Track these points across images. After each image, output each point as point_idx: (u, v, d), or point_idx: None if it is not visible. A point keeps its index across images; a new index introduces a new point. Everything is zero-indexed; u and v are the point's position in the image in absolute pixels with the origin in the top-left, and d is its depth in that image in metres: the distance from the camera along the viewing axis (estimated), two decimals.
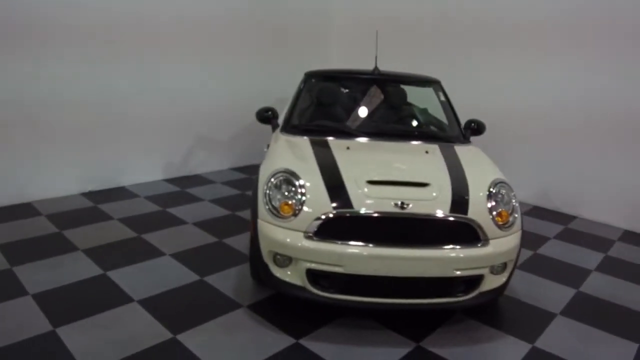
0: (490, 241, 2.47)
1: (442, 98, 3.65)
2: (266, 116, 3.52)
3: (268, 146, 3.29)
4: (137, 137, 4.80)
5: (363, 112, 3.61)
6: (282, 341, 2.44)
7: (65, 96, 4.19)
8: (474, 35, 5.13)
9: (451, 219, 2.43)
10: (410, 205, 2.39)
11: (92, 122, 4.43)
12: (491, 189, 2.60)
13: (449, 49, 5.31)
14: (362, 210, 2.39)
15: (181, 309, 2.68)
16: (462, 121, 3.54)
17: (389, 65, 3.95)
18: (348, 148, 2.93)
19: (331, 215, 2.39)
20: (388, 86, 3.78)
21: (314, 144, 2.97)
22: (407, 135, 3.32)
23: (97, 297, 2.73)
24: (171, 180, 5.10)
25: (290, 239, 2.40)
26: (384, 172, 2.64)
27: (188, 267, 3.17)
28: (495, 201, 2.57)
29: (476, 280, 2.49)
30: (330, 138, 3.08)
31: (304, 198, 2.46)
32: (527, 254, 3.74)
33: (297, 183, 2.52)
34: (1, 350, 2.24)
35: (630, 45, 4.17)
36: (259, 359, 2.29)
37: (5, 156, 3.98)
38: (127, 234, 3.66)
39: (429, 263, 2.38)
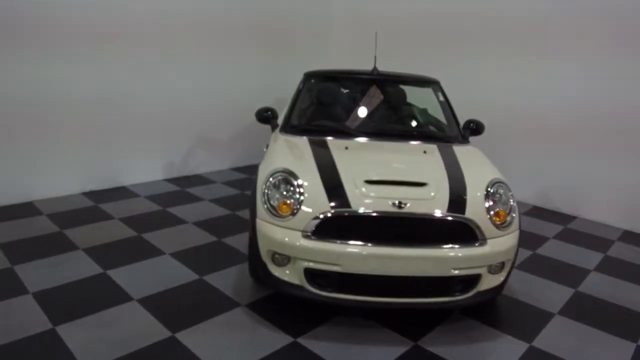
0: (488, 241, 2.48)
1: (441, 98, 3.66)
2: (265, 116, 3.54)
3: (267, 146, 3.31)
4: (137, 137, 4.82)
5: (362, 112, 3.62)
6: (280, 340, 2.45)
7: (66, 96, 4.21)
8: (474, 35, 5.14)
9: (449, 218, 2.44)
10: (408, 205, 2.40)
11: (93, 122, 4.45)
12: (489, 189, 2.61)
13: (449, 49, 5.32)
14: (360, 210, 2.40)
15: (180, 307, 2.70)
16: (462, 121, 3.55)
17: (389, 65, 3.96)
18: (346, 148, 2.94)
19: (329, 215, 2.40)
20: (387, 86, 3.79)
21: (312, 143, 2.99)
22: (405, 135, 3.33)
23: (97, 296, 2.75)
24: (172, 180, 5.12)
25: (289, 238, 2.41)
26: (382, 172, 2.65)
27: (187, 266, 3.19)
28: (493, 201, 2.58)
29: (474, 279, 2.50)
30: (329, 138, 3.10)
31: (302, 197, 2.47)
32: (526, 253, 3.74)
33: (295, 183, 2.53)
34: (2, 347, 2.26)
35: (631, 45, 4.17)
36: (257, 358, 2.30)
37: (7, 156, 4.00)
38: (127, 233, 3.68)
39: (426, 262, 2.39)
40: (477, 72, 5.11)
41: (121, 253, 3.31)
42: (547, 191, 4.91)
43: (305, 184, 2.52)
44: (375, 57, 3.81)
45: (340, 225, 2.42)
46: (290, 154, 2.89)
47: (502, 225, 2.54)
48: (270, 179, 2.59)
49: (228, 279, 3.04)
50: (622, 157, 4.37)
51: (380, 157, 2.96)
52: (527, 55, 4.77)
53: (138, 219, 3.97)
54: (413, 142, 3.20)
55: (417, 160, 2.94)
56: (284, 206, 2.47)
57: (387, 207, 2.40)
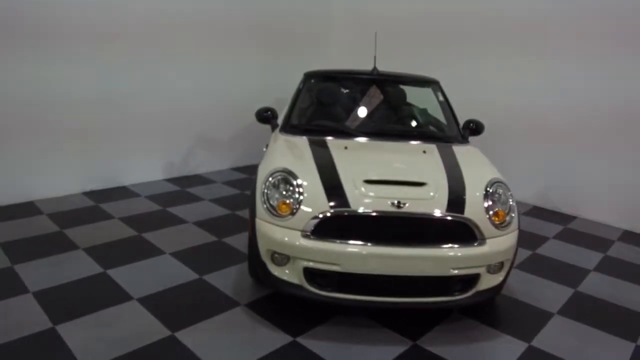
0: (487, 240, 2.48)
1: (441, 98, 3.67)
2: (265, 116, 3.55)
3: (267, 146, 3.31)
4: (138, 137, 4.83)
5: (362, 112, 3.63)
6: (279, 339, 2.45)
7: (66, 96, 4.22)
8: (474, 35, 5.14)
9: (448, 218, 2.44)
10: (407, 205, 2.41)
11: (93, 122, 4.46)
12: (488, 189, 2.61)
13: (449, 49, 5.32)
14: (359, 210, 2.40)
15: (180, 307, 2.70)
16: (461, 121, 3.55)
17: (389, 65, 3.97)
18: (346, 148, 2.95)
19: (328, 214, 2.40)
20: (387, 86, 3.80)
21: (312, 143, 2.99)
22: (405, 135, 3.33)
23: (97, 295, 2.76)
24: (172, 180, 5.13)
25: (288, 238, 2.42)
26: (381, 172, 2.65)
27: (187, 265, 3.20)
28: (492, 201, 2.58)
29: (473, 279, 2.50)
30: (328, 138, 3.10)
31: (301, 197, 2.47)
32: (526, 253, 3.74)
33: (294, 182, 2.53)
34: (1, 346, 2.26)
35: (631, 45, 4.17)
36: (256, 357, 2.31)
37: (8, 155, 4.01)
38: (127, 232, 3.69)
39: (425, 262, 2.39)
40: (477, 72, 5.11)
41: (121, 252, 3.32)
42: (547, 191, 4.91)
43: (305, 183, 2.53)
44: (375, 57, 3.82)
45: (340, 224, 2.42)
46: (290, 153, 2.89)
47: (501, 225, 2.54)
48: (270, 179, 2.59)
49: (228, 279, 3.05)
50: (622, 157, 4.37)
51: (379, 157, 2.96)
52: (527, 55, 4.77)
53: (138, 218, 3.98)
54: (412, 142, 3.21)
55: (417, 160, 2.95)
56: (284, 206, 2.48)
57: (386, 206, 2.40)
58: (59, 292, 2.78)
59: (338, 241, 2.38)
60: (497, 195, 2.62)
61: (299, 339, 2.46)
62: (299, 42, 6.05)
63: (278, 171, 2.61)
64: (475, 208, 2.50)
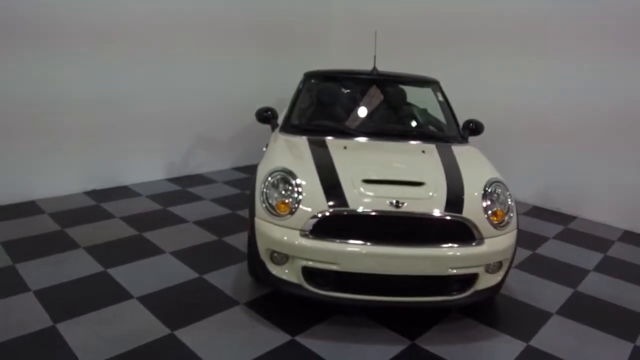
0: (486, 240, 2.48)
1: (441, 98, 3.67)
2: (265, 116, 3.56)
3: (267, 146, 3.33)
4: (139, 136, 4.85)
5: (361, 112, 3.64)
6: (278, 338, 2.46)
7: (68, 96, 4.24)
8: (474, 35, 5.14)
9: (446, 217, 2.44)
10: (405, 204, 2.41)
11: (94, 121, 4.48)
12: (487, 188, 2.62)
13: (449, 49, 5.32)
14: (358, 209, 2.41)
15: (180, 306, 2.72)
16: (462, 121, 3.55)
17: (389, 65, 3.97)
18: (345, 148, 2.96)
19: (327, 214, 2.41)
20: (387, 86, 3.81)
21: (312, 143, 3.00)
22: (404, 135, 3.34)
23: (97, 294, 2.78)
24: (173, 180, 5.15)
25: (287, 237, 2.43)
26: (379, 171, 2.66)
27: (187, 265, 3.21)
28: (491, 200, 2.58)
29: (471, 278, 2.51)
30: (328, 138, 3.11)
31: (300, 197, 2.49)
32: (525, 253, 3.75)
33: (293, 182, 2.55)
34: (3, 344, 2.28)
35: (631, 45, 4.17)
36: (255, 356, 2.32)
37: (9, 155, 4.03)
38: (128, 232, 3.70)
39: (423, 261, 2.40)
40: (477, 72, 5.11)
41: (122, 252, 3.34)
42: (548, 191, 4.91)
43: (304, 183, 2.54)
44: (375, 57, 3.83)
45: (338, 224, 2.43)
46: (290, 153, 2.90)
47: (499, 225, 2.54)
48: (269, 179, 2.60)
49: (227, 278, 3.06)
50: (622, 157, 4.37)
51: (378, 156, 2.97)
52: (527, 55, 4.77)
53: (139, 218, 4.00)
54: (412, 142, 3.21)
55: (416, 160, 2.95)
56: (283, 205, 2.49)
57: (385, 206, 2.41)
58: (59, 290, 2.80)
59: (336, 240, 2.39)
60: (495, 195, 2.62)
61: (298, 338, 2.47)
62: (299, 42, 6.06)
63: (277, 171, 2.62)
64: (474, 208, 2.51)
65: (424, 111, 3.82)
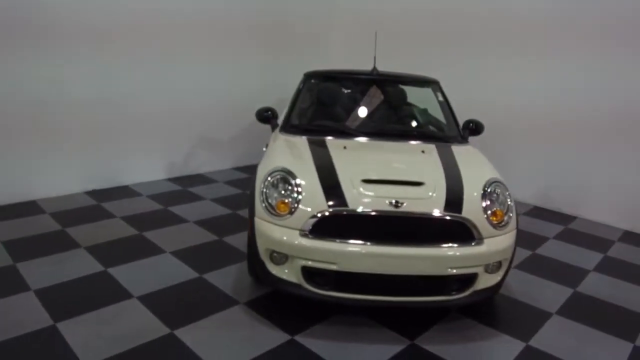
0: (485, 240, 2.48)
1: (441, 98, 3.67)
2: (266, 116, 3.57)
3: (267, 145, 3.33)
4: (140, 136, 4.86)
5: (361, 112, 3.64)
6: (277, 338, 2.47)
7: (69, 96, 4.25)
8: (474, 35, 5.14)
9: (445, 217, 2.45)
10: (405, 204, 2.42)
11: (95, 121, 4.49)
12: (486, 188, 2.62)
13: (449, 49, 5.32)
14: (357, 209, 2.42)
15: (179, 305, 2.72)
16: (462, 121, 3.55)
17: (389, 65, 3.98)
18: (345, 147, 2.96)
19: (326, 214, 2.42)
20: (387, 86, 3.81)
21: (311, 143, 3.01)
22: (404, 135, 3.34)
23: (97, 293, 2.78)
24: (174, 180, 5.16)
25: (287, 237, 2.43)
26: (379, 171, 2.67)
27: (188, 264, 3.22)
28: (490, 200, 2.59)
29: (470, 278, 2.51)
30: (328, 138, 3.11)
31: (299, 197, 2.49)
32: (525, 253, 3.75)
33: (293, 182, 2.55)
34: (3, 343, 2.29)
35: (631, 45, 4.16)
36: (255, 355, 2.33)
37: (11, 155, 4.04)
38: (128, 231, 3.71)
39: (422, 261, 2.40)
40: (477, 72, 5.11)
41: (122, 251, 3.35)
42: (548, 191, 4.91)
43: (303, 183, 2.54)
44: (375, 57, 3.83)
45: (338, 224, 2.44)
46: (289, 153, 2.91)
47: (499, 225, 2.55)
48: (269, 178, 2.61)
49: (227, 277, 3.07)
50: (622, 157, 4.36)
51: (378, 156, 2.97)
52: (527, 55, 4.77)
53: (140, 217, 4.01)
54: (412, 142, 3.22)
55: (415, 160, 2.96)
56: (282, 205, 2.50)
57: (384, 206, 2.41)
58: (60, 290, 2.81)
59: (336, 240, 2.40)
60: (495, 195, 2.62)
61: (297, 338, 2.48)
62: (299, 42, 6.06)
63: (277, 171, 2.63)
64: (473, 208, 2.51)
65: (424, 111, 3.83)
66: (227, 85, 5.43)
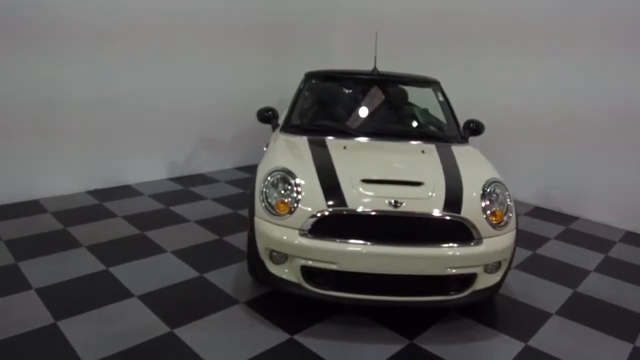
0: (484, 240, 2.49)
1: (441, 98, 3.68)
2: (266, 116, 3.57)
3: (267, 145, 3.34)
4: (142, 136, 4.88)
5: (362, 112, 3.64)
6: (277, 337, 2.48)
7: (69, 96, 4.27)
8: (474, 35, 5.14)
9: (444, 217, 2.45)
10: (404, 204, 2.42)
11: (98, 121, 4.51)
12: (485, 189, 2.62)
13: (449, 49, 5.32)
14: (356, 209, 2.42)
15: (180, 304, 2.74)
16: (462, 121, 3.55)
17: (389, 65, 3.98)
18: (345, 147, 2.97)
19: (326, 213, 2.43)
20: (387, 86, 3.81)
21: (312, 143, 3.02)
22: (404, 135, 3.34)
23: (98, 292, 2.80)
24: (175, 179, 5.17)
25: (286, 237, 2.44)
26: (378, 171, 2.67)
27: (188, 264, 3.23)
28: (490, 200, 2.59)
29: (469, 278, 2.51)
30: (328, 138, 3.12)
31: (299, 196, 2.50)
32: (526, 254, 3.74)
33: (293, 182, 2.56)
34: (4, 342, 2.31)
35: (631, 45, 4.16)
36: (254, 354, 2.34)
37: (14, 155, 4.07)
38: (130, 231, 3.73)
39: (421, 261, 2.40)
40: (477, 72, 5.11)
41: (123, 251, 3.36)
42: (549, 192, 4.90)
43: (303, 183, 2.55)
44: (375, 57, 3.83)
45: (337, 223, 2.44)
46: (290, 153, 2.92)
47: (498, 225, 2.55)
48: (269, 178, 2.62)
49: (228, 277, 3.08)
50: (623, 157, 4.36)
51: (377, 156, 2.98)
52: (527, 55, 4.77)
53: (141, 217, 4.02)
54: (412, 142, 3.22)
55: (415, 160, 2.96)
56: (282, 205, 2.51)
57: (383, 206, 2.42)
58: (61, 288, 2.83)
59: (335, 240, 2.40)
60: (494, 195, 2.63)
61: (297, 337, 2.49)
62: (299, 42, 6.07)
63: (277, 170, 2.64)
64: (473, 208, 2.51)
65: (425, 111, 3.83)
66: (227, 85, 5.44)
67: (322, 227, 2.43)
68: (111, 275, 3.02)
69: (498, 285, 2.66)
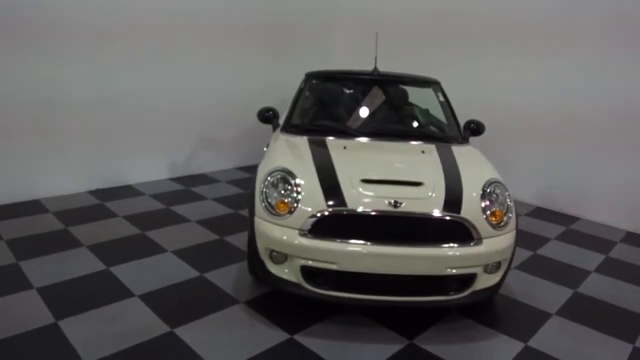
0: (484, 240, 2.49)
1: (442, 98, 3.68)
2: (267, 116, 3.58)
3: (268, 145, 3.35)
4: (143, 136, 4.89)
5: (362, 112, 3.65)
6: (276, 336, 2.48)
7: (69, 96, 4.27)
8: (474, 35, 5.13)
9: (444, 217, 2.45)
10: (404, 204, 2.43)
11: (98, 121, 4.52)
12: (485, 189, 2.62)
13: (449, 49, 5.32)
14: (356, 209, 2.43)
15: (180, 304, 2.74)
16: (462, 121, 3.55)
17: (389, 65, 3.98)
18: (345, 148, 2.97)
19: (326, 213, 2.43)
20: (387, 87, 3.81)
21: (312, 143, 3.02)
22: (404, 135, 3.34)
23: (99, 292, 2.81)
24: (176, 179, 5.18)
25: (286, 237, 2.45)
26: (378, 171, 2.67)
27: (189, 263, 3.24)
28: (490, 201, 2.59)
29: (469, 278, 2.51)
30: (329, 138, 3.12)
31: (299, 196, 2.50)
32: (526, 254, 3.74)
33: (293, 182, 2.57)
34: (5, 341, 2.32)
35: (631, 45, 4.15)
36: (254, 354, 2.34)
37: (16, 155, 4.08)
38: (130, 231, 3.74)
39: (421, 261, 2.41)
40: (477, 72, 5.11)
41: (124, 250, 3.37)
42: (550, 192, 4.90)
43: (303, 183, 2.56)
44: (376, 57, 3.84)
45: (337, 223, 2.45)
46: (290, 153, 2.92)
47: (498, 225, 2.55)
48: (269, 178, 2.63)
49: (228, 277, 3.08)
50: (622, 157, 4.35)
51: (377, 156, 2.98)
52: (527, 55, 4.76)
53: (142, 217, 4.03)
54: (412, 142, 3.22)
55: (415, 160, 2.96)
56: (282, 205, 2.51)
57: (383, 206, 2.42)
58: (62, 288, 2.84)
59: (335, 240, 2.41)
60: (494, 196, 2.63)
61: (297, 337, 2.49)
62: (300, 42, 6.07)
63: (277, 170, 2.64)
64: (472, 208, 2.51)
65: (425, 111, 3.83)
66: (227, 85, 5.44)
67: (322, 227, 2.43)
68: (112, 274, 3.03)
69: (498, 285, 2.66)
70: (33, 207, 4.09)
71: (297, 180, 2.57)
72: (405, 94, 3.89)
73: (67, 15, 4.11)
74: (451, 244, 2.44)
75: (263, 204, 2.55)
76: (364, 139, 3.18)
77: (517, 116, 4.88)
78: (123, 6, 4.43)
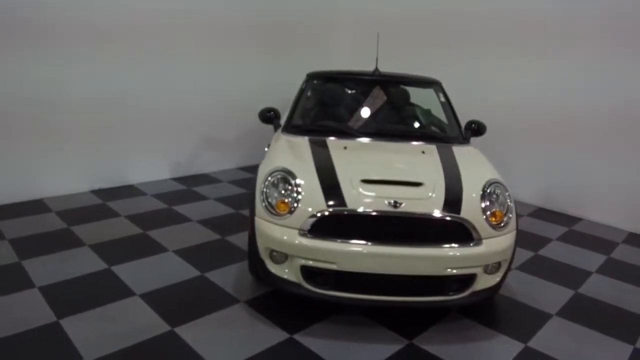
0: (484, 241, 2.49)
1: (442, 99, 3.68)
2: (268, 116, 3.60)
3: (269, 145, 3.36)
4: (146, 136, 4.91)
5: (363, 112, 3.65)
6: (277, 336, 2.49)
7: (69, 96, 4.29)
8: (474, 35, 5.13)
9: (444, 218, 2.46)
10: (404, 204, 2.43)
11: (102, 121, 4.54)
12: (485, 189, 2.62)
13: (449, 49, 5.32)
14: (356, 209, 2.43)
15: (181, 303, 2.76)
16: (463, 121, 3.56)
17: (390, 65, 3.99)
18: (345, 148, 2.98)
19: (326, 213, 2.44)
20: (388, 87, 3.82)
21: (312, 143, 3.03)
22: (405, 135, 3.34)
23: (100, 291, 2.82)
24: (178, 179, 5.20)
25: (286, 237, 2.46)
26: (378, 172, 2.68)
27: (190, 263, 3.25)
28: (490, 201, 2.59)
29: (469, 279, 2.51)
30: (329, 138, 3.13)
31: (299, 196, 2.51)
32: (527, 254, 3.74)
33: (293, 182, 2.57)
34: (7, 339, 2.33)
35: (631, 45, 4.14)
36: (254, 353, 2.35)
37: (15, 155, 4.10)
38: (132, 230, 3.76)
39: (421, 261, 2.41)
40: (477, 72, 5.11)
41: (126, 250, 3.39)
42: (552, 192, 4.89)
43: (303, 183, 2.56)
44: (377, 58, 3.84)
45: (337, 223, 2.45)
46: (290, 153, 2.93)
47: (498, 226, 2.55)
48: (269, 178, 2.64)
49: (228, 276, 3.10)
50: (623, 157, 4.34)
51: (377, 157, 2.99)
52: (527, 55, 4.76)
53: (144, 216, 4.05)
54: (412, 143, 3.22)
55: (415, 160, 2.97)
56: (282, 205, 2.52)
57: (383, 206, 2.43)
58: (63, 287, 2.85)
59: (335, 240, 2.41)
60: (494, 196, 2.63)
61: (296, 336, 2.50)
62: (300, 42, 6.07)
63: (277, 170, 2.65)
64: (472, 208, 2.52)
65: (426, 112, 3.82)
66: (227, 85, 5.44)
67: (322, 227, 2.44)
68: (113, 274, 3.05)
69: (498, 285, 2.66)
70: (36, 206, 4.11)
71: (298, 180, 2.57)
72: (406, 95, 3.89)
73: (67, 15, 4.13)
74: (451, 245, 2.45)
75: (263, 204, 2.56)
76: (364, 139, 3.18)
77: (517, 116, 4.88)
78: (123, 6, 4.44)
